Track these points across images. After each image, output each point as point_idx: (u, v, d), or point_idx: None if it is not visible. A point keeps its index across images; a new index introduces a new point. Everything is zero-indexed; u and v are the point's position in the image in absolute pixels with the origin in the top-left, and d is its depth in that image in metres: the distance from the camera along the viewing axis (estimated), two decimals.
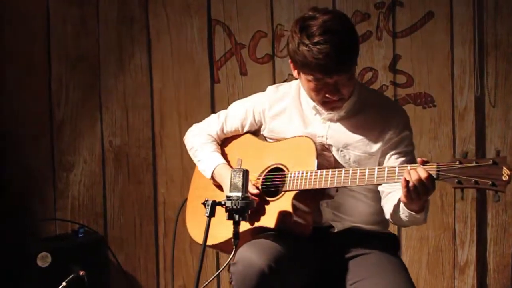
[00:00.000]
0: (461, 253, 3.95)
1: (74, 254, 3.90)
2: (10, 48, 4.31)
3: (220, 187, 2.93)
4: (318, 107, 2.79)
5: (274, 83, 3.95)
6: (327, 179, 2.64)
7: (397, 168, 2.54)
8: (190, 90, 4.20)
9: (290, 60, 2.72)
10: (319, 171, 2.67)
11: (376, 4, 3.93)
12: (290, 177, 2.72)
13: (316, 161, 2.69)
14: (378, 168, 2.58)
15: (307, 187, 2.68)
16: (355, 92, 2.76)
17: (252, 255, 2.56)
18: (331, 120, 2.80)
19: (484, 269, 3.95)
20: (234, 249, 2.60)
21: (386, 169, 2.56)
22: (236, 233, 2.60)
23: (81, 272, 3.73)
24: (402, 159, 2.73)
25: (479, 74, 3.86)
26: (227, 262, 2.63)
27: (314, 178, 2.67)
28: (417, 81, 3.94)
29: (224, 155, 2.99)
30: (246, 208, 2.59)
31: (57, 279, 3.71)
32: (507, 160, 2.37)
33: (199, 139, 3.02)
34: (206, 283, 2.76)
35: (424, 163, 2.47)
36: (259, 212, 2.74)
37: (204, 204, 2.63)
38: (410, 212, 2.59)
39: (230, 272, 2.62)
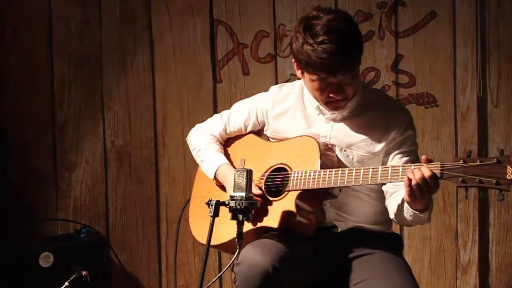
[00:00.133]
0: (463, 253, 3.95)
1: (77, 254, 3.90)
2: (13, 48, 4.31)
3: (223, 188, 2.93)
4: (322, 107, 2.79)
5: (276, 83, 3.96)
6: (330, 179, 2.64)
7: (401, 168, 2.54)
8: (193, 90, 4.20)
9: (293, 60, 2.72)
10: (322, 171, 2.66)
11: (379, 4, 3.93)
12: (293, 177, 2.72)
13: (319, 161, 2.69)
14: (382, 168, 2.58)
15: (310, 187, 2.67)
16: (358, 91, 2.76)
17: (256, 255, 2.56)
18: (334, 120, 2.80)
19: (486, 269, 3.95)
20: (238, 249, 2.59)
21: (390, 169, 2.56)
22: (240, 233, 2.60)
23: (84, 272, 3.73)
24: (405, 158, 2.73)
25: (482, 74, 3.86)
26: (230, 262, 2.63)
27: (317, 178, 2.66)
28: (419, 81, 3.94)
29: (227, 155, 2.99)
30: (250, 208, 2.59)
31: (59, 279, 3.71)
32: None
33: (202, 140, 3.02)
34: (210, 283, 2.76)
35: (428, 161, 2.47)
36: (262, 212, 2.74)
37: (208, 204, 2.63)
38: (414, 211, 2.59)
39: (234, 272, 2.61)
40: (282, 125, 2.88)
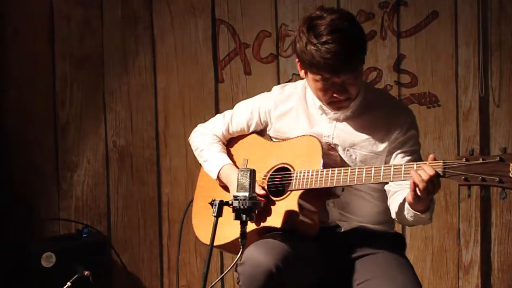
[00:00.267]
0: (465, 252, 3.95)
1: (78, 254, 3.89)
2: (14, 48, 4.31)
3: (226, 188, 2.92)
4: (324, 107, 2.79)
5: (279, 83, 3.96)
6: (333, 178, 2.64)
7: (403, 167, 2.54)
8: (194, 90, 4.20)
9: (297, 60, 2.72)
10: (325, 170, 2.66)
11: (381, 4, 3.93)
12: (296, 176, 2.72)
13: (322, 161, 2.68)
14: (384, 167, 2.58)
15: (313, 187, 2.67)
16: (361, 91, 2.76)
17: (259, 255, 2.56)
18: (337, 120, 2.80)
19: (489, 268, 3.95)
20: (241, 249, 2.59)
21: (392, 168, 2.56)
22: (243, 233, 2.60)
23: (86, 272, 3.73)
24: (408, 158, 2.73)
25: (483, 74, 3.86)
26: (234, 262, 2.63)
27: (320, 178, 2.66)
28: (421, 80, 3.94)
29: (229, 155, 2.98)
30: (253, 208, 2.59)
31: (61, 279, 3.71)
32: None
33: (205, 139, 3.02)
34: (213, 283, 2.75)
35: (433, 159, 2.48)
36: (266, 212, 2.73)
37: (211, 204, 2.63)
38: (415, 212, 2.59)
39: (237, 272, 2.62)
40: (284, 125, 2.88)
